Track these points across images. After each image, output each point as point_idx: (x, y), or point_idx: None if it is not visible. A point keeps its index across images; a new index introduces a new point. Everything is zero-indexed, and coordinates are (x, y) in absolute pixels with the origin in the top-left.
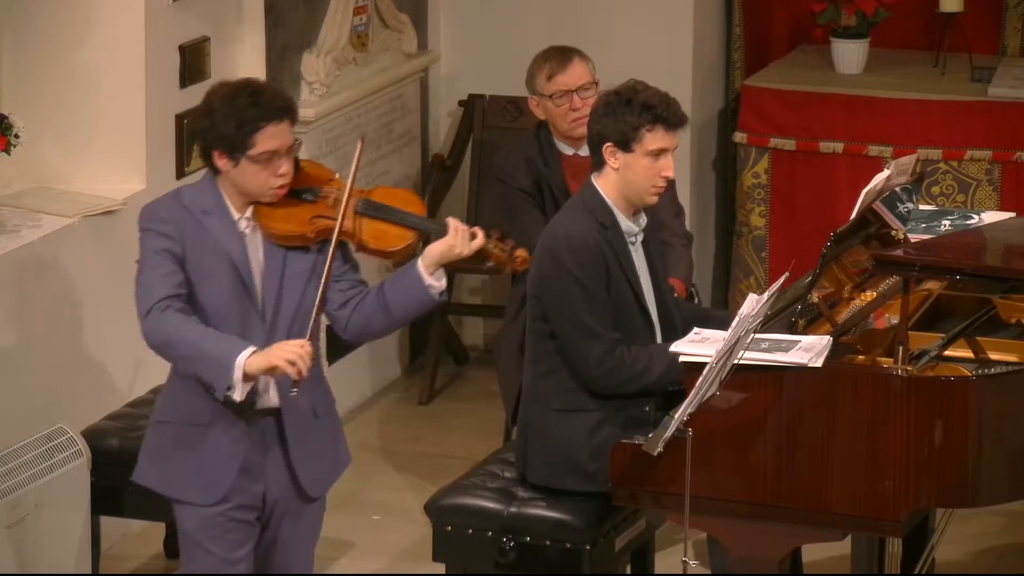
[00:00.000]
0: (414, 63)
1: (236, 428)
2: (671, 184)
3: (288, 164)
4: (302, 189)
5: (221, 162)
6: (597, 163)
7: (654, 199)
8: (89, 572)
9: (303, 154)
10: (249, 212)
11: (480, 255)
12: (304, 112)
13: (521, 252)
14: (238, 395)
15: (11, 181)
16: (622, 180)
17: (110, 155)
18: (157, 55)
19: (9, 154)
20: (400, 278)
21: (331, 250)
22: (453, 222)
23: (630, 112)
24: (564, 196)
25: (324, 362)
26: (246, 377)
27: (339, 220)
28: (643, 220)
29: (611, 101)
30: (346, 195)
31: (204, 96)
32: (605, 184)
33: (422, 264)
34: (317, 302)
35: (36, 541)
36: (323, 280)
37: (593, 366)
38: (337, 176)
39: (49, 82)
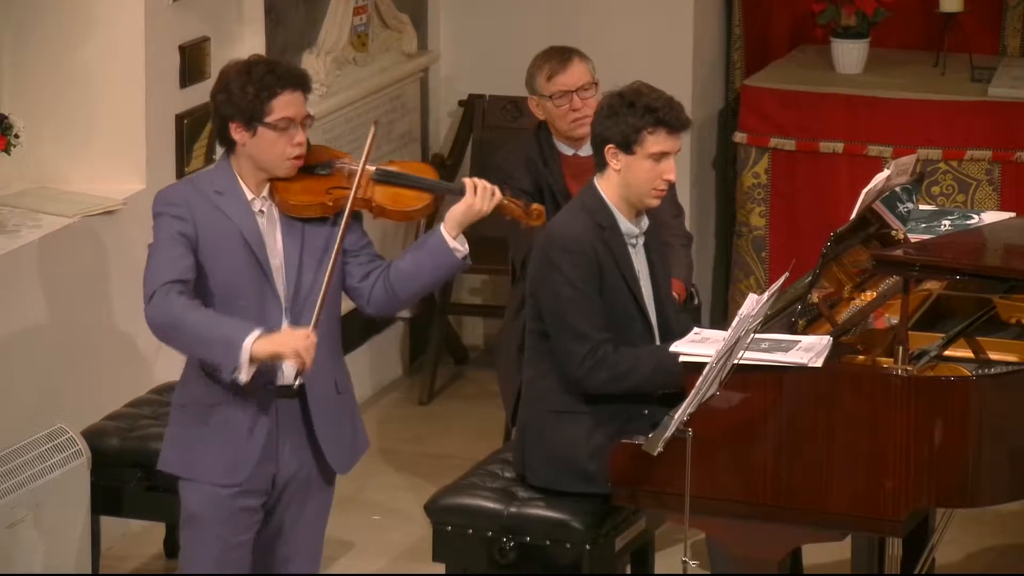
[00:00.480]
0: (414, 63)
1: (258, 406)
2: (671, 185)
3: (303, 135)
4: (316, 164)
5: (238, 134)
6: (600, 164)
7: (655, 202)
8: (89, 572)
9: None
10: (265, 191)
11: (497, 212)
12: None
13: (537, 207)
14: (244, 376)
15: (11, 181)
16: (623, 182)
17: (110, 155)
18: (157, 55)
19: (9, 154)
20: (423, 244)
21: (344, 218)
22: (471, 181)
23: (632, 114)
24: (564, 196)
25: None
26: (252, 360)
27: (353, 188)
28: (644, 223)
29: (614, 103)
30: (361, 163)
31: (218, 76)
32: (607, 186)
33: (444, 228)
34: (325, 283)
35: (36, 541)
36: (336, 247)
37: (575, 367)
38: (350, 155)
39: (49, 82)
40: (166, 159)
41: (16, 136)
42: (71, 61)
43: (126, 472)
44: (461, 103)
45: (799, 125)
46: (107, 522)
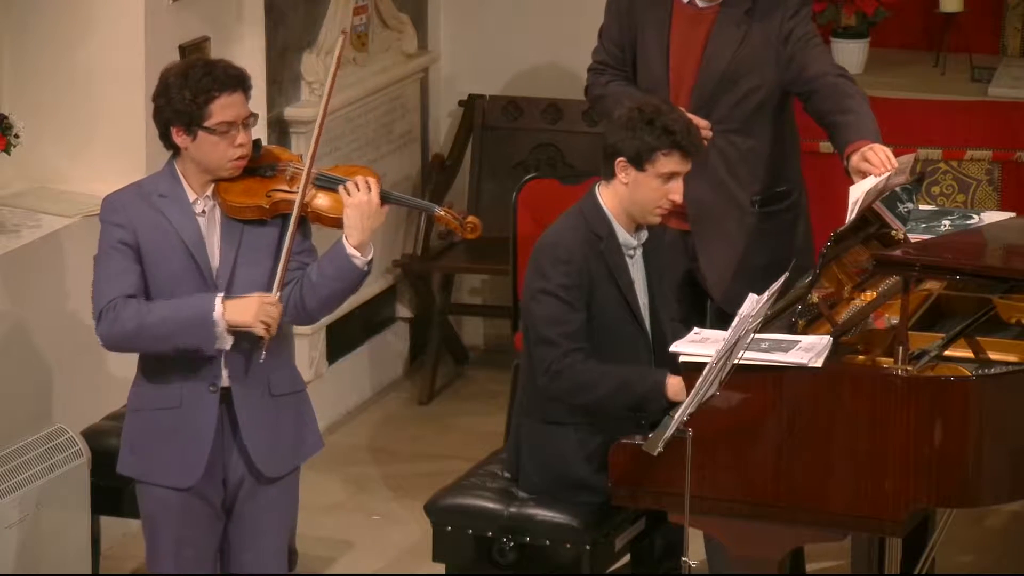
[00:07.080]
0: (414, 63)
1: (204, 408)
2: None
3: (245, 135)
4: (261, 166)
5: (179, 138)
6: (607, 174)
7: (657, 219)
8: (89, 572)
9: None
10: (209, 192)
11: (436, 222)
12: (304, 112)
13: (472, 219)
14: (228, 343)
15: (11, 181)
16: (629, 196)
17: (110, 155)
18: (157, 55)
19: (9, 154)
20: (327, 252)
21: (292, 220)
22: (346, 186)
23: (650, 132)
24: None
25: (294, 345)
26: (228, 328)
27: (300, 192)
28: (643, 235)
29: (633, 117)
30: (307, 166)
31: (159, 78)
32: (610, 196)
33: (345, 235)
34: (281, 267)
35: (36, 541)
36: (285, 249)
37: (541, 372)
38: (299, 156)
39: (49, 82)
40: (166, 159)
41: (16, 136)
42: (71, 61)
43: None
44: (461, 103)
45: (799, 125)
46: (107, 522)
